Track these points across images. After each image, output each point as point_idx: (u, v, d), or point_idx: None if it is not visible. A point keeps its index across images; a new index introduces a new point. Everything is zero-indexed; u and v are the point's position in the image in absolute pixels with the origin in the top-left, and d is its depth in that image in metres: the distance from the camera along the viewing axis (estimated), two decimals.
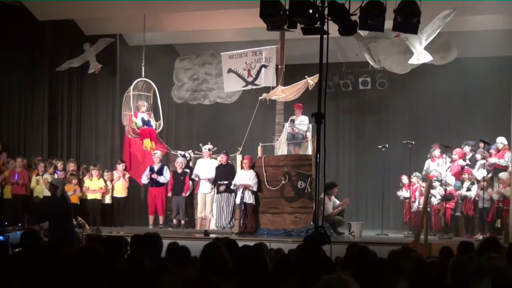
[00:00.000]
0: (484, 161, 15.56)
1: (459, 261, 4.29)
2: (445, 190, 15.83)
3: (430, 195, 15.56)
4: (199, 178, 16.75)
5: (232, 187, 15.59)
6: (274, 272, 5.55)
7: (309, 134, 16.51)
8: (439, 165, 16.42)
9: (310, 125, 16.36)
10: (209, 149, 16.86)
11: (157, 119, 18.34)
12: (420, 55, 15.36)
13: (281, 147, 16.75)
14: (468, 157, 16.36)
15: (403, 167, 17.40)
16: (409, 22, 9.94)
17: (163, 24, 18.46)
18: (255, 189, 15.30)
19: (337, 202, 15.84)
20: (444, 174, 16.11)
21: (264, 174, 15.44)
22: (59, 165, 17.23)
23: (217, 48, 19.20)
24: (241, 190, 15.31)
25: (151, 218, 17.51)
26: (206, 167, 16.68)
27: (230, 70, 18.02)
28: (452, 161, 16.35)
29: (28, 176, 16.88)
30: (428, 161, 16.85)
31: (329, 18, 9.33)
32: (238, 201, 15.51)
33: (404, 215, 17.37)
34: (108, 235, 11.64)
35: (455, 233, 15.81)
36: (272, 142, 17.00)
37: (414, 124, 19.63)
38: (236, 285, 4.79)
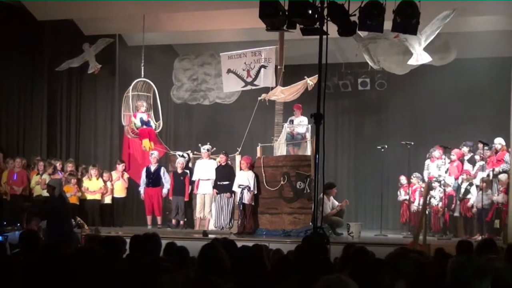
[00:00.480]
0: (483, 162, 15.56)
1: (459, 261, 4.28)
2: (444, 191, 15.83)
3: (429, 196, 15.60)
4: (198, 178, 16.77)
5: (235, 188, 15.55)
6: (273, 273, 5.56)
7: (308, 135, 16.50)
8: (438, 166, 16.42)
9: (309, 125, 16.35)
10: (207, 150, 16.86)
11: (156, 119, 18.34)
12: (419, 56, 15.38)
13: (280, 148, 16.74)
14: (466, 157, 16.36)
15: (402, 167, 17.43)
16: (408, 22, 9.95)
17: (162, 24, 18.47)
18: (255, 191, 15.29)
19: (336, 203, 15.85)
20: (443, 175, 16.11)
21: (263, 175, 15.44)
22: (58, 165, 17.20)
23: (216, 49, 19.20)
24: (240, 190, 15.30)
25: (149, 218, 17.52)
26: (205, 168, 16.68)
27: (229, 71, 18.01)
28: (451, 161, 16.36)
29: (27, 176, 16.86)
30: (427, 162, 16.85)
31: (329, 18, 9.33)
32: (237, 201, 15.49)
33: (401, 216, 17.38)
34: (107, 235, 11.67)
35: (454, 234, 15.81)
36: (271, 143, 17.00)
37: (413, 125, 19.66)
38: (234, 286, 4.77)
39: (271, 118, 17.47)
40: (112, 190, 17.65)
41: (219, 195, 16.11)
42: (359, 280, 3.70)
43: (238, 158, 16.25)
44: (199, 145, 17.24)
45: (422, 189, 15.88)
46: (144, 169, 17.46)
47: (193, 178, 16.91)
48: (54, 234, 11.34)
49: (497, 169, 15.23)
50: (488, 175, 15.33)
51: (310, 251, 6.53)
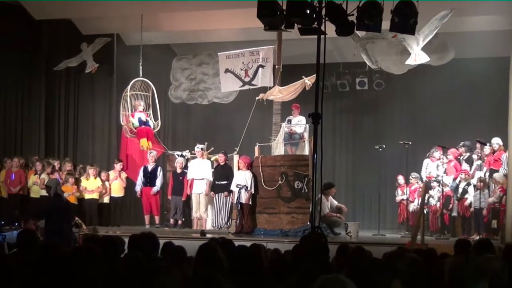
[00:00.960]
0: (481, 161, 15.57)
1: (457, 261, 4.30)
2: (442, 191, 15.83)
3: (428, 195, 15.61)
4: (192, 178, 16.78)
5: (233, 188, 15.55)
6: (270, 273, 5.56)
7: (306, 134, 16.49)
8: (437, 166, 16.42)
9: (307, 125, 16.34)
10: (201, 149, 16.85)
11: (154, 118, 18.33)
12: (417, 56, 15.39)
13: (278, 147, 16.74)
14: (464, 157, 16.37)
15: (400, 167, 17.42)
16: (406, 22, 9.96)
17: (160, 23, 18.46)
18: (252, 191, 15.29)
19: (335, 202, 15.83)
20: (441, 175, 16.12)
21: (261, 174, 15.44)
22: (56, 164, 17.18)
23: (214, 48, 19.18)
24: (237, 190, 15.30)
25: (146, 217, 17.51)
26: (198, 167, 16.68)
27: (227, 70, 18.00)
28: (448, 161, 16.37)
29: (24, 176, 16.85)
30: (426, 161, 16.81)
31: (327, 18, 9.34)
32: (235, 201, 15.49)
33: (399, 216, 17.38)
34: (104, 235, 11.68)
35: (452, 233, 15.81)
36: (269, 142, 16.99)
37: (411, 125, 19.63)
38: (232, 286, 4.77)
39: (269, 117, 17.49)
40: (110, 189, 17.63)
41: (217, 195, 16.11)
42: (356, 279, 3.69)
43: (236, 157, 16.22)
44: (198, 144, 17.22)
45: (421, 189, 15.88)
46: (142, 169, 17.45)
47: (187, 178, 16.89)
48: (52, 233, 11.35)
49: (498, 172, 15.24)
50: (485, 175, 15.34)
51: (309, 251, 6.52)
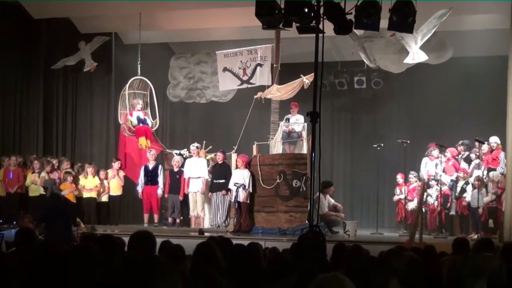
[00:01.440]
0: (479, 160, 15.58)
1: (455, 260, 4.28)
2: (441, 189, 15.83)
3: (426, 194, 15.61)
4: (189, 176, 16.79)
5: (231, 186, 15.56)
6: (268, 271, 5.55)
7: (304, 133, 16.48)
8: (436, 165, 16.42)
9: (306, 124, 16.34)
10: (196, 147, 16.85)
11: (153, 117, 18.33)
12: (416, 55, 15.41)
13: (276, 146, 16.74)
14: (463, 156, 16.37)
15: (398, 166, 17.42)
16: (404, 21, 9.98)
17: (158, 22, 18.44)
18: (250, 190, 15.30)
19: (332, 201, 15.85)
20: (439, 174, 16.12)
21: (259, 173, 15.46)
22: (55, 162, 17.16)
23: (212, 47, 19.15)
24: (235, 188, 15.30)
25: (146, 216, 17.49)
26: (194, 166, 16.67)
27: (225, 69, 18.00)
28: (446, 160, 16.37)
29: (23, 174, 16.84)
30: (425, 160, 16.80)
31: (325, 17, 9.36)
32: (232, 199, 15.50)
33: (397, 215, 17.38)
34: (102, 233, 11.67)
35: (450, 232, 15.81)
36: (267, 141, 16.99)
37: (409, 123, 19.62)
38: (230, 284, 4.77)
39: (267, 116, 17.45)
40: (108, 188, 17.62)
41: (215, 194, 16.11)
42: (354, 278, 3.68)
43: (234, 156, 16.23)
44: (193, 143, 17.20)
45: (419, 188, 15.88)
46: (142, 168, 17.42)
47: (184, 177, 16.88)
48: (51, 232, 11.35)
49: (496, 171, 15.26)
50: (483, 174, 15.35)
51: (306, 249, 6.53)
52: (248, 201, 15.34)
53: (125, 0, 16.45)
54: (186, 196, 17.10)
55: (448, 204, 15.93)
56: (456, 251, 7.53)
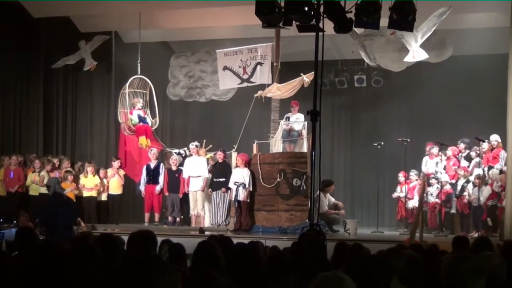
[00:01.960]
0: (479, 158, 15.57)
1: (454, 259, 4.29)
2: (441, 187, 15.83)
3: (426, 192, 15.60)
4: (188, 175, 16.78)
5: (231, 185, 15.55)
6: (269, 270, 5.55)
7: (304, 132, 16.47)
8: (437, 163, 16.42)
9: (306, 122, 16.33)
10: (196, 146, 16.83)
11: (152, 116, 18.32)
12: (416, 53, 15.41)
13: (277, 145, 16.71)
14: (463, 154, 16.37)
15: (399, 164, 17.42)
16: (404, 19, 9.98)
17: (158, 21, 18.43)
18: (250, 189, 15.29)
19: (333, 199, 15.86)
20: (440, 172, 16.13)
21: (260, 172, 15.44)
22: (56, 161, 17.16)
23: (212, 46, 19.14)
24: (235, 187, 15.30)
25: (147, 215, 17.46)
26: (194, 165, 16.66)
27: (225, 68, 17.97)
28: (447, 158, 16.37)
29: (23, 174, 16.84)
30: (425, 158, 16.80)
31: (325, 15, 9.35)
32: (232, 198, 15.50)
33: (397, 213, 17.38)
34: (102, 232, 11.67)
35: (451, 230, 15.80)
36: (267, 140, 16.98)
37: (409, 122, 19.60)
38: (230, 282, 4.77)
39: (267, 115, 17.42)
40: (108, 187, 17.61)
41: (215, 192, 16.10)
42: (355, 277, 3.69)
43: (234, 155, 16.22)
44: (192, 142, 17.18)
45: (419, 186, 15.88)
46: (144, 167, 17.38)
47: (184, 176, 16.87)
48: (52, 232, 11.35)
49: (495, 167, 15.27)
50: (483, 172, 15.35)
51: (307, 248, 6.53)
52: (248, 200, 15.33)
53: None
54: (186, 195, 17.08)
55: (449, 203, 15.91)
56: (456, 249, 7.49)
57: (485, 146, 15.53)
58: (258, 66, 17.40)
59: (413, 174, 16.96)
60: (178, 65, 20.09)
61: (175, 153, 17.63)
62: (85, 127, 20.03)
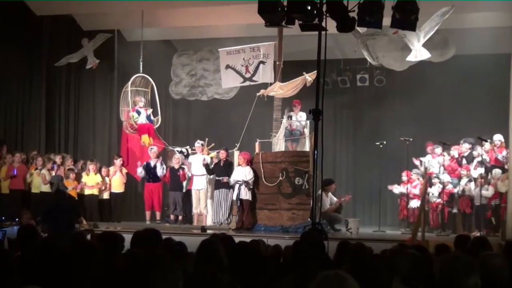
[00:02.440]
0: (481, 158, 15.55)
1: (445, 259, 4.29)
2: (443, 187, 15.82)
3: (428, 191, 15.58)
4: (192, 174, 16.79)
5: (231, 183, 15.56)
6: (270, 268, 5.55)
7: (306, 131, 16.46)
8: (439, 163, 16.41)
9: (308, 121, 16.31)
10: (202, 144, 16.83)
11: (154, 115, 18.32)
12: (418, 52, 15.40)
13: (279, 144, 16.71)
14: (466, 154, 16.35)
15: (401, 164, 17.40)
16: (407, 19, 9.94)
17: (161, 20, 18.46)
18: (251, 186, 15.28)
19: (334, 199, 15.84)
20: (442, 172, 16.11)
21: (262, 170, 15.43)
22: (58, 159, 17.18)
23: (215, 44, 19.14)
24: (237, 186, 15.30)
25: (148, 213, 17.49)
26: (198, 163, 16.66)
27: (228, 66, 17.97)
28: (451, 158, 16.37)
29: (26, 171, 16.84)
30: (428, 157, 16.76)
31: (327, 14, 9.32)
32: (234, 197, 15.50)
33: (400, 212, 17.36)
34: (104, 230, 11.68)
35: (453, 230, 15.79)
36: (269, 139, 16.97)
37: (411, 121, 19.54)
38: (232, 280, 4.78)
39: (270, 114, 17.43)
40: (110, 185, 17.62)
41: (217, 191, 16.10)
42: (357, 276, 3.67)
43: (236, 154, 16.22)
44: (198, 140, 17.18)
45: (421, 185, 15.86)
46: (144, 165, 17.37)
47: (186, 173, 16.89)
48: (54, 229, 11.37)
49: (498, 168, 15.28)
50: (486, 172, 15.34)
51: (308, 247, 6.53)
52: (251, 199, 15.32)
53: None
54: (188, 193, 17.10)
55: (452, 203, 15.91)
56: (458, 247, 7.51)
57: (487, 146, 15.51)
58: (261, 65, 17.40)
59: (414, 174, 16.92)
60: (180, 63, 20.10)
61: (178, 151, 17.62)
62: (88, 125, 20.05)
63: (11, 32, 17.89)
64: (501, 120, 14.80)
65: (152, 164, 17.25)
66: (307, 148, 15.93)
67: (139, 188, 18.16)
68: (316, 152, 9.11)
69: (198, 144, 16.86)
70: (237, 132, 17.21)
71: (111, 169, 17.75)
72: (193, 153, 17.25)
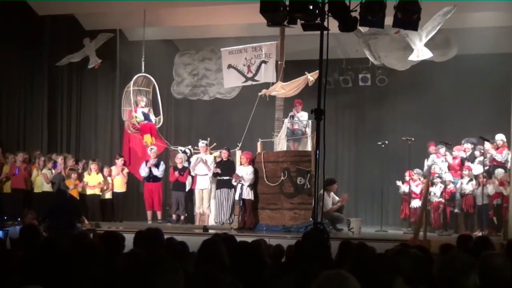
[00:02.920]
0: (483, 157, 15.53)
1: (444, 259, 4.30)
2: (445, 187, 15.80)
3: (430, 191, 15.56)
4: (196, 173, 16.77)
5: (233, 182, 15.56)
6: (272, 268, 5.53)
7: (308, 130, 16.44)
8: (442, 162, 16.39)
9: (310, 121, 16.30)
10: (206, 144, 16.81)
11: (156, 114, 18.30)
12: (420, 52, 15.40)
13: (281, 143, 16.68)
14: (468, 154, 16.32)
15: (403, 164, 17.37)
16: (409, 18, 9.90)
17: (163, 19, 18.43)
18: (246, 184, 15.23)
19: (337, 198, 15.80)
20: (444, 171, 16.09)
21: (264, 170, 15.40)
22: (60, 159, 17.17)
23: (217, 44, 19.13)
24: (239, 186, 15.28)
25: (149, 213, 17.47)
26: (201, 163, 16.65)
27: (230, 66, 17.99)
28: (453, 158, 16.34)
29: (28, 171, 16.84)
30: (432, 156, 16.72)
31: (329, 14, 9.28)
32: (237, 197, 15.48)
33: (401, 212, 17.33)
34: (106, 230, 11.68)
35: (454, 230, 15.76)
36: (271, 138, 16.96)
37: (413, 121, 19.48)
38: (234, 280, 4.77)
39: (272, 113, 17.41)
40: (112, 185, 17.62)
41: (219, 190, 16.09)
42: (359, 276, 3.65)
43: (238, 153, 16.21)
44: (200, 140, 17.16)
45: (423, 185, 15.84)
46: (144, 162, 17.36)
47: (191, 173, 16.87)
48: (55, 229, 11.36)
49: (494, 155, 15.26)
50: (489, 171, 15.32)
51: (310, 247, 6.51)
52: (253, 198, 15.31)
53: None
54: (190, 192, 17.08)
55: (453, 202, 15.89)
56: (460, 247, 7.49)
57: (487, 145, 15.48)
58: (263, 64, 17.41)
59: (416, 174, 16.88)
60: (182, 63, 20.07)
61: (181, 150, 17.60)
62: (89, 125, 20.06)
63: (12, 32, 17.90)
64: (503, 119, 14.76)
65: (152, 163, 17.21)
66: (309, 147, 15.89)
67: (141, 188, 18.16)
68: (318, 151, 9.07)
69: (202, 144, 16.80)
70: (239, 132, 17.25)
71: (113, 169, 17.74)
72: (196, 153, 17.21)
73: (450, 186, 15.88)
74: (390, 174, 18.21)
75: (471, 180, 15.66)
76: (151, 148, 17.38)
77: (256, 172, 15.37)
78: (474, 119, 17.97)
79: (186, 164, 17.14)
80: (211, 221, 16.43)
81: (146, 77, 18.28)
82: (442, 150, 16.57)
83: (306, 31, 9.80)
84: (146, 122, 17.81)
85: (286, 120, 16.75)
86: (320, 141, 8.85)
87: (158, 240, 6.59)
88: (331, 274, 3.34)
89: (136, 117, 17.74)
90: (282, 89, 16.73)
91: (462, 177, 15.91)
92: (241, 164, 15.62)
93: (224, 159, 16.21)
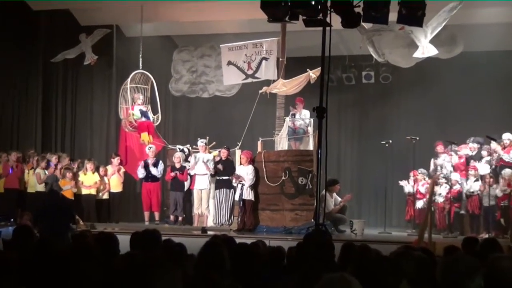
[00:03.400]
0: (490, 157, 15.32)
1: (448, 261, 4.24)
2: (451, 187, 15.58)
3: (435, 192, 15.37)
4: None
5: (234, 183, 15.40)
6: (272, 270, 5.75)
7: (310, 129, 16.34)
8: (447, 162, 16.20)
9: (312, 119, 16.20)
10: (205, 143, 16.62)
11: (154, 112, 18.17)
12: (425, 49, 15.42)
13: (282, 142, 16.63)
14: (474, 153, 16.13)
15: (407, 163, 17.19)
16: (414, 14, 9.99)
17: (160, 15, 18.34)
18: (247, 184, 15.09)
19: (339, 199, 15.72)
20: (450, 171, 15.91)
21: (264, 170, 15.30)
22: (54, 159, 16.97)
23: (216, 40, 19.08)
24: (239, 186, 15.06)
25: (146, 214, 17.30)
26: (201, 162, 16.42)
27: (229, 63, 17.91)
28: (459, 158, 16.17)
29: (22, 170, 16.65)
30: (443, 156, 16.49)
31: (332, 9, 9.28)
32: (237, 197, 15.32)
33: (406, 213, 17.15)
34: (101, 231, 11.41)
35: (460, 231, 15.59)
36: (272, 137, 16.82)
37: (418, 119, 19.38)
38: (233, 282, 4.61)
39: (272, 111, 17.31)
40: (109, 185, 17.37)
41: (218, 191, 15.88)
42: (362, 278, 3.63)
43: (238, 152, 16.10)
44: (198, 139, 16.96)
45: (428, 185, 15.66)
46: (142, 162, 17.14)
47: (189, 172, 16.70)
48: (47, 230, 11.18)
49: (501, 154, 15.17)
50: (495, 171, 15.17)
51: (312, 249, 6.38)
52: (253, 199, 15.17)
53: None
54: (189, 193, 16.88)
55: (459, 203, 15.70)
56: (466, 250, 7.40)
57: (493, 145, 15.31)
58: (263, 61, 17.36)
59: (420, 174, 16.67)
60: (181, 59, 20.01)
61: (179, 149, 17.42)
62: (85, 123, 20.03)
63: (6, 27, 17.92)
64: (511, 118, 14.60)
65: (151, 163, 16.99)
66: (310, 147, 15.87)
67: (137, 188, 18.00)
68: (320, 151, 9.13)
69: (201, 143, 16.63)
70: (239, 131, 17.18)
71: (109, 168, 17.52)
72: (194, 152, 17.01)
73: (457, 186, 15.65)
74: (394, 174, 18.11)
75: (477, 180, 15.45)
76: (150, 147, 17.21)
77: (256, 172, 15.17)
78: (480, 118, 17.85)
79: (184, 164, 16.89)
80: (210, 222, 16.32)
81: (144, 74, 18.16)
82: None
83: (308, 27, 9.81)
84: (143, 120, 17.63)
85: (287, 119, 16.72)
86: (322, 140, 8.95)
87: (156, 241, 6.59)
88: (334, 277, 3.32)
89: (133, 114, 17.59)
90: (283, 87, 16.62)
91: (467, 177, 15.68)
92: (241, 164, 15.53)
93: (224, 159, 16.04)
